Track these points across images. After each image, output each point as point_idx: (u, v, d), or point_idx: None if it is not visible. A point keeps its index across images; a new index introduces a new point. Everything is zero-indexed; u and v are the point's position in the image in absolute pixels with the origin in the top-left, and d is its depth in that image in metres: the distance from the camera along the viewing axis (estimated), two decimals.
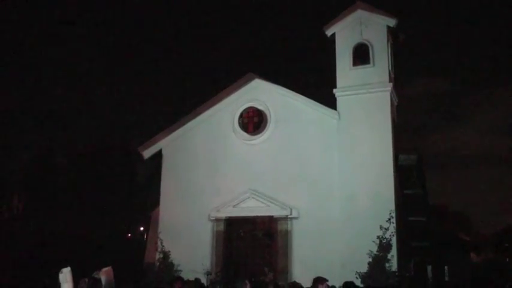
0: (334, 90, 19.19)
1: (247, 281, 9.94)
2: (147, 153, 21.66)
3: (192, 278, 14.56)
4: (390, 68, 19.51)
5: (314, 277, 10.34)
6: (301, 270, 17.84)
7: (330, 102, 19.28)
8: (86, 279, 10.29)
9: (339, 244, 17.70)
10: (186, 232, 19.87)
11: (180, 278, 13.18)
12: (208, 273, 18.48)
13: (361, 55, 19.34)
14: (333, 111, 19.07)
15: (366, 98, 18.70)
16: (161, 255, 19.46)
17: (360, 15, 19.45)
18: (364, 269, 16.70)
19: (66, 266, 9.07)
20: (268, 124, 20.04)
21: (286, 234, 18.90)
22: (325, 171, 18.81)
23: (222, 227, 19.81)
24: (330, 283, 11.12)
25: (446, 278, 25.68)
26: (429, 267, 23.17)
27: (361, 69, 19.16)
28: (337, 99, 19.15)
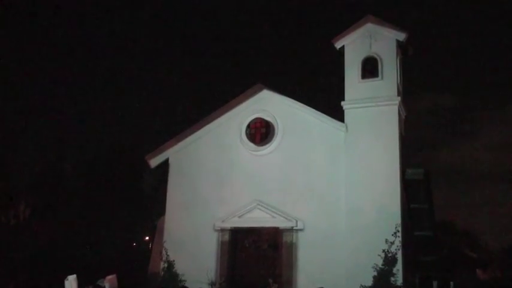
0: (342, 103, 19.19)
1: None
2: (154, 162, 21.70)
3: None
4: (399, 82, 19.51)
5: None
6: (305, 282, 17.80)
7: (338, 114, 19.28)
8: (91, 287, 10.30)
9: (344, 257, 17.65)
10: (191, 242, 19.86)
11: None
12: (212, 284, 18.46)
13: (370, 68, 19.34)
14: (341, 123, 19.06)
15: (374, 111, 18.70)
16: (166, 265, 19.45)
17: (369, 28, 19.47)
18: (369, 282, 16.63)
19: (72, 274, 9.08)
20: (275, 135, 20.04)
21: (292, 246, 18.85)
22: (332, 184, 18.78)
23: (227, 237, 19.78)
24: None
25: None
26: (435, 283, 23.00)
27: (370, 83, 19.16)
28: (345, 111, 19.14)
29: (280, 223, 19.05)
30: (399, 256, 16.86)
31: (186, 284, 16.87)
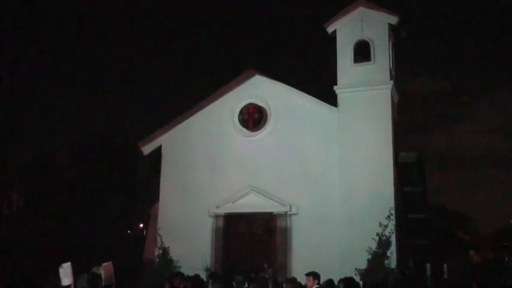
0: (335, 87, 19.17)
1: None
2: (146, 149, 21.65)
3: (191, 274, 14.54)
4: (391, 66, 19.50)
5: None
6: (300, 266, 17.78)
7: (331, 99, 19.26)
8: (85, 275, 10.27)
9: (338, 241, 17.73)
10: (185, 228, 19.87)
11: (180, 274, 13.18)
12: (207, 269, 18.48)
13: (362, 52, 19.31)
14: (334, 108, 19.06)
15: (366, 96, 18.69)
16: (160, 251, 19.49)
17: (361, 12, 19.40)
18: (363, 265, 16.73)
19: (66, 262, 9.04)
20: (268, 120, 20.02)
21: (286, 231, 18.91)
22: (325, 168, 18.82)
23: (221, 223, 19.82)
24: (327, 279, 11.16)
25: (445, 276, 25.70)
26: (428, 265, 23.17)
27: (362, 67, 19.14)
28: (338, 96, 19.12)
29: (274, 208, 19.10)
30: (393, 239, 16.96)
31: (181, 270, 16.86)
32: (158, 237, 19.66)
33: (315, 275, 10.75)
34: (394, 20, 19.26)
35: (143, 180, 34.84)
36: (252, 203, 19.34)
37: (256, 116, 20.34)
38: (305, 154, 19.22)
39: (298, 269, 17.48)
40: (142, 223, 32.58)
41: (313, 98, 19.53)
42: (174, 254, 19.29)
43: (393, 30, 19.77)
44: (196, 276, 13.45)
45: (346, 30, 19.64)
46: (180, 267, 18.43)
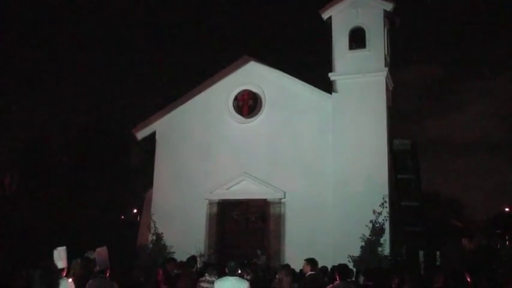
0: (330, 74, 19.15)
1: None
2: (140, 135, 21.62)
3: (184, 260, 14.55)
4: (386, 53, 19.47)
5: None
6: (293, 253, 17.90)
7: (326, 85, 19.24)
8: (79, 259, 10.26)
9: (332, 227, 17.79)
10: (179, 214, 19.89)
11: (173, 259, 13.21)
12: (201, 255, 18.51)
13: (357, 39, 19.30)
14: (328, 95, 19.05)
15: (361, 82, 18.69)
16: (154, 237, 19.49)
17: None
18: (357, 252, 16.78)
19: (61, 245, 9.02)
20: (262, 107, 20.00)
21: (280, 217, 18.96)
22: (320, 155, 18.84)
23: (215, 209, 19.85)
24: (322, 265, 11.20)
25: (438, 263, 25.81)
26: (421, 253, 23.25)
27: (357, 53, 19.11)
28: (333, 83, 19.11)
29: (268, 195, 19.14)
30: (386, 227, 17.00)
31: (175, 256, 16.87)
32: (152, 223, 19.65)
33: (310, 262, 10.77)
34: (389, 6, 19.21)
35: (137, 166, 34.82)
36: (246, 190, 19.38)
37: (250, 102, 20.33)
38: (299, 141, 19.22)
39: (291, 256, 17.58)
40: (136, 209, 32.62)
41: (307, 84, 19.51)
42: (167, 239, 19.30)
43: (388, 17, 19.71)
44: (193, 257, 13.48)
45: (342, 16, 19.58)
46: (173, 253, 18.45)
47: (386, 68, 18.83)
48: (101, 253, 9.61)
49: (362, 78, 18.68)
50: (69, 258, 9.35)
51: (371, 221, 16.91)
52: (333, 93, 18.96)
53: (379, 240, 16.88)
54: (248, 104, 20.38)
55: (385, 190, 17.46)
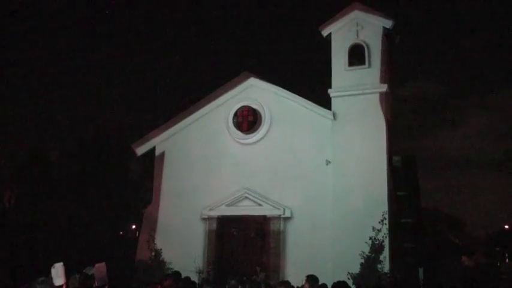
0: (329, 91, 19.17)
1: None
2: (140, 150, 21.62)
3: (183, 277, 14.49)
4: (385, 70, 19.51)
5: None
6: (293, 270, 17.84)
7: (325, 102, 19.27)
8: (77, 275, 10.23)
9: (331, 244, 17.71)
10: (178, 230, 19.84)
11: (173, 274, 13.13)
12: (200, 272, 18.46)
13: (356, 56, 19.32)
14: (328, 111, 19.05)
15: (360, 99, 18.70)
16: (153, 253, 19.44)
17: (356, 15, 19.42)
18: (356, 269, 16.73)
19: (59, 261, 8.99)
20: (262, 123, 20.01)
21: (279, 234, 18.89)
22: (319, 172, 18.80)
23: (214, 225, 19.78)
24: (321, 283, 11.16)
25: (438, 281, 25.69)
26: (421, 270, 23.17)
27: (357, 70, 19.14)
28: (332, 99, 19.13)
29: (267, 211, 19.08)
30: (386, 243, 16.95)
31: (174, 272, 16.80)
32: (151, 239, 19.61)
33: (311, 279, 10.73)
34: (388, 24, 19.26)
35: (136, 181, 34.79)
36: (245, 206, 19.34)
37: (250, 118, 20.34)
38: (299, 157, 19.20)
39: (291, 273, 17.52)
40: (135, 224, 32.56)
41: (307, 101, 19.52)
42: (166, 256, 19.27)
43: (388, 34, 19.79)
44: (187, 278, 13.41)
45: (341, 33, 19.64)
46: (172, 269, 18.39)
47: (386, 85, 18.85)
48: (99, 269, 9.58)
49: (361, 95, 18.70)
50: (68, 274, 9.32)
51: (370, 238, 16.87)
52: (332, 110, 18.97)
53: (379, 257, 16.82)
54: (248, 120, 20.39)
55: (384, 207, 17.41)
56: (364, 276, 16.49)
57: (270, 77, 20.87)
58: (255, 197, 19.23)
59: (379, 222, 16.86)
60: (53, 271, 8.70)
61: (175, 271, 14.38)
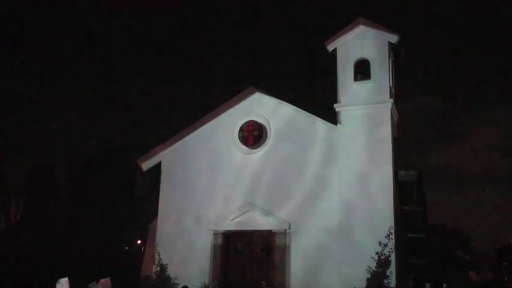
0: (335, 105, 19.15)
1: None
2: (146, 165, 21.62)
3: None
4: (391, 84, 19.49)
5: None
6: (298, 284, 17.76)
7: (331, 117, 19.25)
8: None
9: (338, 259, 17.62)
10: (183, 245, 19.79)
11: None
12: (205, 287, 18.39)
13: (362, 70, 19.33)
14: (333, 126, 19.03)
15: (366, 113, 18.68)
16: (158, 268, 19.37)
17: (361, 30, 19.45)
18: (363, 284, 16.63)
19: (64, 277, 9.00)
20: (268, 138, 20.00)
21: (284, 249, 18.79)
22: (325, 186, 18.74)
23: (220, 240, 19.70)
24: None
25: None
26: (428, 285, 23.05)
27: (362, 85, 19.13)
28: (338, 114, 19.11)
29: (273, 226, 19.01)
30: (392, 258, 16.85)
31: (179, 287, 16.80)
32: (156, 254, 19.55)
33: None
34: (394, 38, 19.27)
35: (142, 196, 34.82)
36: (251, 221, 19.28)
37: (256, 133, 20.34)
38: (305, 172, 19.15)
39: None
40: (140, 239, 32.51)
41: (313, 115, 19.51)
42: (172, 270, 19.20)
43: (393, 48, 19.78)
44: None
45: (347, 48, 19.67)
46: (177, 284, 18.35)
47: (391, 99, 18.82)
48: (104, 284, 9.59)
49: (367, 109, 18.68)
50: None
51: (377, 253, 16.77)
52: (338, 124, 18.95)
53: (385, 272, 16.71)
54: (253, 135, 20.39)
55: (390, 221, 17.32)
56: None
57: (275, 92, 20.87)
58: (261, 212, 19.17)
59: (386, 237, 16.77)
60: (58, 286, 8.71)
61: (184, 286, 14.39)
